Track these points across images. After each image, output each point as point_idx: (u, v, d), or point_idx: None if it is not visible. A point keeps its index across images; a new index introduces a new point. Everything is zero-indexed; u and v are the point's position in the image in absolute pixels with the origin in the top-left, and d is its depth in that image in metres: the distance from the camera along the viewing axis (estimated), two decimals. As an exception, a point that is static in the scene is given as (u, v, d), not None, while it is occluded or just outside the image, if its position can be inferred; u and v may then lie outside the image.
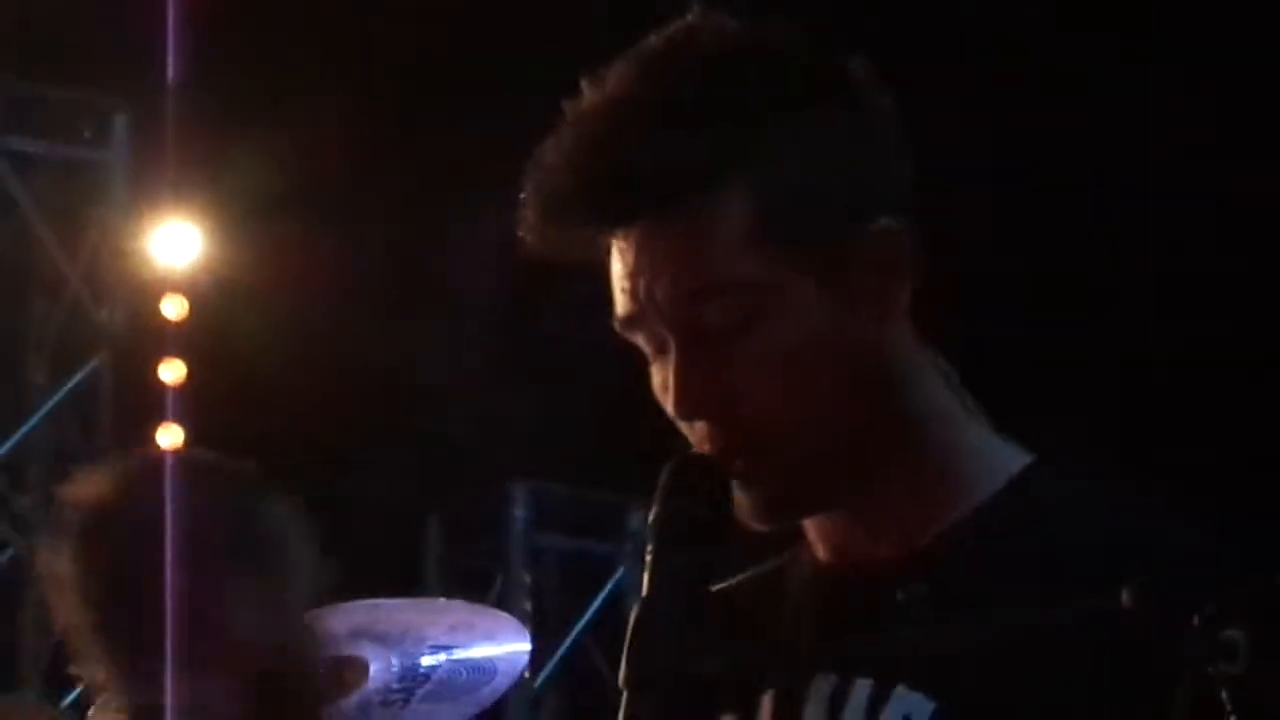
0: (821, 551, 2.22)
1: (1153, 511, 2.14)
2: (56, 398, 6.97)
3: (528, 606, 7.29)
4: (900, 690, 2.17)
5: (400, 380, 7.12)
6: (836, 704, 2.19)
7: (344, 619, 3.96)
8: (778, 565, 2.35)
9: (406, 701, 3.99)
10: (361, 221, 6.92)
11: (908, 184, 2.20)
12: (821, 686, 2.21)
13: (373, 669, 4.06)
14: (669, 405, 2.15)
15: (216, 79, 6.33)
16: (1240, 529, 2.30)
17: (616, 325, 2.19)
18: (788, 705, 2.22)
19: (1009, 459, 2.22)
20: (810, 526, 2.24)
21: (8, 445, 6.87)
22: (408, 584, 6.95)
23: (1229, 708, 1.84)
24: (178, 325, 6.19)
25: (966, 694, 2.14)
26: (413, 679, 3.98)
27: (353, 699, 4.03)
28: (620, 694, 2.09)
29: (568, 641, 7.62)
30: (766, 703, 2.24)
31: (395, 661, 3.97)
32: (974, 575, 2.18)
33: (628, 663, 2.06)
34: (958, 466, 2.23)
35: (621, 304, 2.16)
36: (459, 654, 3.97)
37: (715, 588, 2.28)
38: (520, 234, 2.17)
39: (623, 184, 2.11)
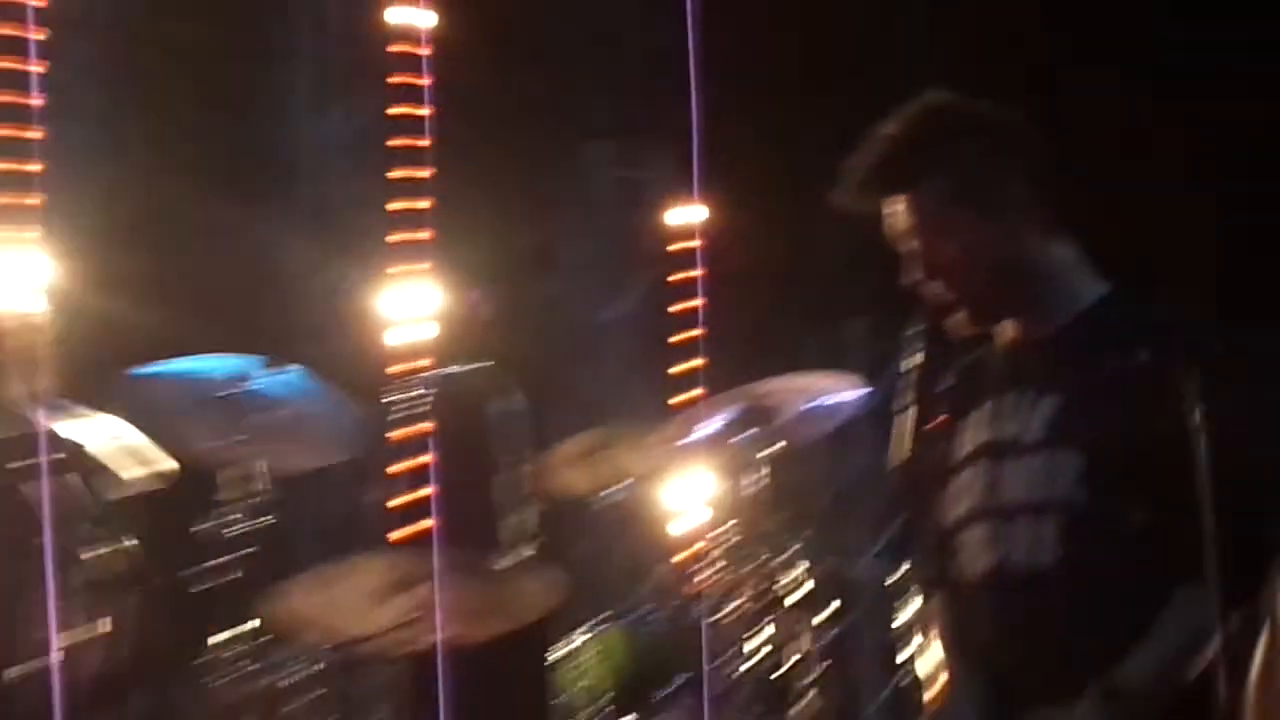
0: (1000, 342, 3.36)
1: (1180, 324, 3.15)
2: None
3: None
4: (1046, 400, 3.24)
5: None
6: (1006, 412, 3.31)
7: (793, 382, 5.00)
8: (989, 346, 3.41)
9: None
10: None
11: (1036, 164, 3.27)
12: (1004, 401, 3.31)
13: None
14: (916, 275, 3.27)
15: None
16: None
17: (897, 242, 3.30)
18: (986, 412, 3.34)
19: (1093, 289, 3.29)
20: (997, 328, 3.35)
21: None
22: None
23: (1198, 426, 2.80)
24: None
25: (1072, 420, 3.18)
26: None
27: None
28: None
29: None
30: (983, 408, 3.34)
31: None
32: (1075, 353, 3.22)
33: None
34: (1067, 295, 3.29)
35: (893, 229, 3.30)
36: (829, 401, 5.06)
37: (964, 360, 3.40)
38: (835, 197, 3.28)
39: (883, 178, 3.30)
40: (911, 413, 3.37)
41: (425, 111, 5.89)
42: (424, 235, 5.93)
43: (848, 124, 3.39)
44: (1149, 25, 5.74)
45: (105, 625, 4.48)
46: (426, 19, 5.95)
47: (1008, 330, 3.34)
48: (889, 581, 4.25)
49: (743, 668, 4.80)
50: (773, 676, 4.81)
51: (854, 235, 3.45)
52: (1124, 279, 3.34)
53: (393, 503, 5.25)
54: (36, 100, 5.16)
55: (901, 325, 3.46)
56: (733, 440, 4.97)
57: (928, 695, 3.53)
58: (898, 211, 3.30)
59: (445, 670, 4.86)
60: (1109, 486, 3.11)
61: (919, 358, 3.38)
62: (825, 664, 4.74)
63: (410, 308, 5.89)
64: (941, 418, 3.35)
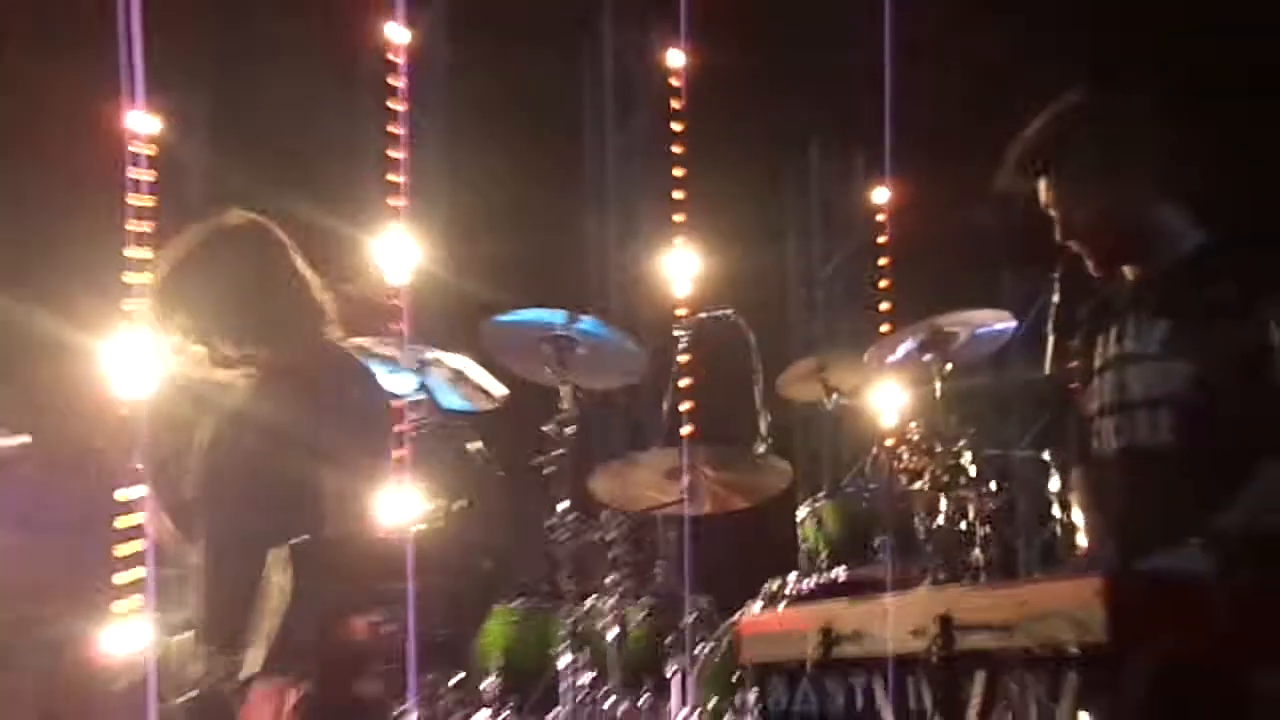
0: (1122, 280, 3.34)
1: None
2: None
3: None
4: (1159, 323, 3.24)
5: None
6: (1129, 333, 3.28)
7: (963, 316, 4.90)
8: (1115, 284, 3.38)
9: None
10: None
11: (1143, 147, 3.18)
12: (1127, 324, 3.29)
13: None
14: (1059, 235, 3.26)
15: None
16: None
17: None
18: (1115, 332, 3.32)
19: (1193, 239, 3.26)
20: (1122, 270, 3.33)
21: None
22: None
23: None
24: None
25: (1178, 338, 3.16)
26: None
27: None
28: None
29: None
30: (1113, 329, 3.32)
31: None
32: (1180, 288, 3.21)
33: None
34: (1173, 244, 3.25)
35: (1041, 201, 3.29)
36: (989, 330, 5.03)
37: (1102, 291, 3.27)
38: (996, 180, 3.26)
39: (1030, 164, 3.30)
40: (1053, 337, 3.34)
41: (680, 127, 5.98)
42: (680, 218, 5.98)
43: (1008, 120, 3.38)
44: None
45: (462, 503, 4.64)
46: (684, 58, 6.02)
47: (1128, 272, 3.33)
48: (1036, 462, 4.30)
49: (926, 530, 4.74)
50: (948, 536, 4.73)
51: (1008, 206, 3.43)
52: (1216, 231, 3.29)
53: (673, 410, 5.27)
54: (403, 130, 5.35)
55: (1045, 272, 3.43)
56: (919, 359, 4.95)
57: (1068, 547, 3.58)
58: (1044, 188, 3.29)
59: (695, 533, 4.94)
60: (1208, 386, 3.09)
61: (1058, 296, 3.36)
62: (986, 527, 4.62)
63: (673, 272, 5.96)
64: (1079, 338, 3.33)
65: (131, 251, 4.55)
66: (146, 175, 4.83)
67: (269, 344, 3.52)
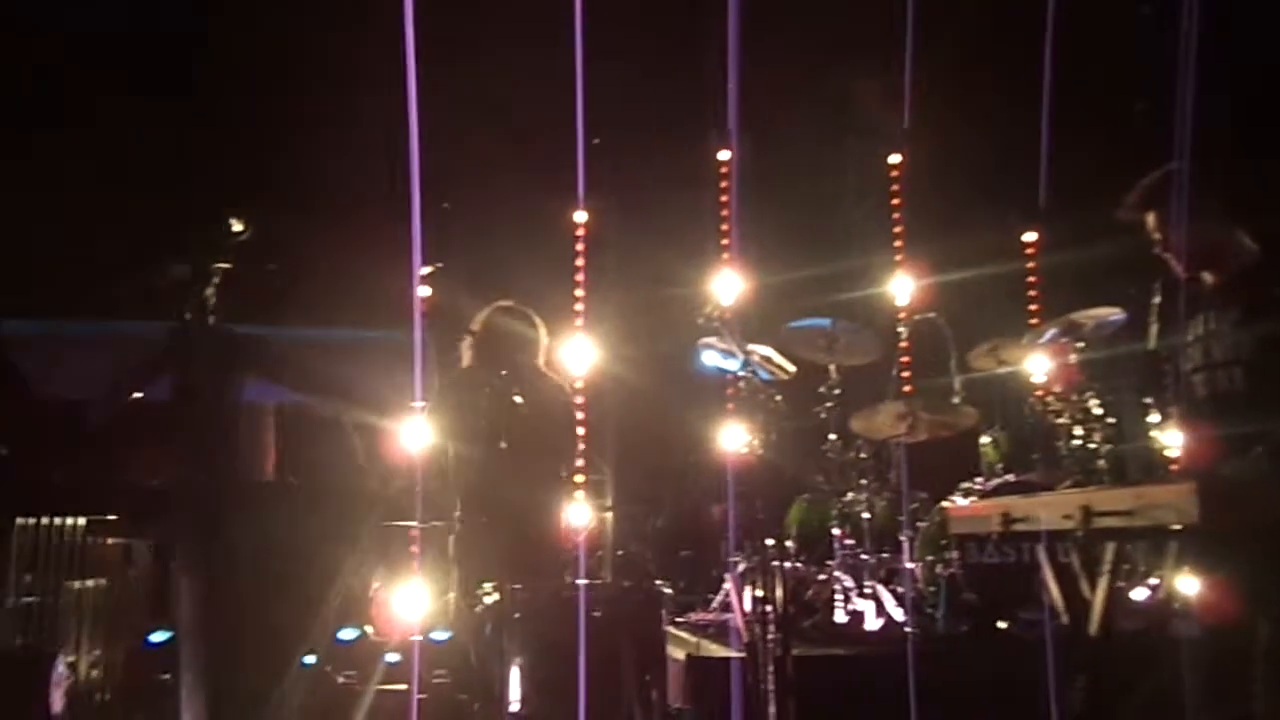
0: (1205, 282, 3.23)
1: None
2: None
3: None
4: (1232, 311, 3.12)
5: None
6: (1211, 318, 3.17)
7: (1089, 311, 4.72)
8: (1200, 285, 3.21)
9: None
10: None
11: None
12: (1210, 312, 3.15)
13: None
14: (1161, 251, 3.13)
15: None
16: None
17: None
18: (1203, 317, 3.18)
19: (1251, 252, 3.13)
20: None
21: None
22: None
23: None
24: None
25: (1245, 320, 3.05)
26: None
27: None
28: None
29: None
30: (1200, 315, 3.17)
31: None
32: (1245, 287, 3.11)
33: None
34: (1238, 257, 3.13)
35: (1151, 229, 3.13)
36: (1109, 319, 4.74)
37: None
38: (1120, 214, 3.10)
39: (1143, 204, 3.19)
40: (1156, 325, 3.23)
41: (899, 201, 6.04)
42: (899, 257, 6.02)
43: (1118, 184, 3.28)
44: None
45: (756, 443, 4.61)
46: (900, 157, 6.11)
47: (1207, 276, 3.22)
48: (1139, 404, 4.19)
49: (1066, 449, 4.59)
50: (1081, 453, 4.58)
51: (1125, 237, 3.30)
52: (1267, 248, 3.18)
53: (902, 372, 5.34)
54: (730, 210, 5.56)
55: (1146, 282, 3.30)
56: (1060, 340, 4.73)
57: (1169, 457, 3.44)
58: (1152, 219, 3.20)
59: (916, 453, 4.90)
60: (1267, 349, 3.01)
61: (1159, 298, 3.25)
62: (1108, 446, 4.46)
63: (897, 290, 5.96)
64: (1176, 322, 3.22)
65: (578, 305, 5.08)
66: (580, 246, 5.23)
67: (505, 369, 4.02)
